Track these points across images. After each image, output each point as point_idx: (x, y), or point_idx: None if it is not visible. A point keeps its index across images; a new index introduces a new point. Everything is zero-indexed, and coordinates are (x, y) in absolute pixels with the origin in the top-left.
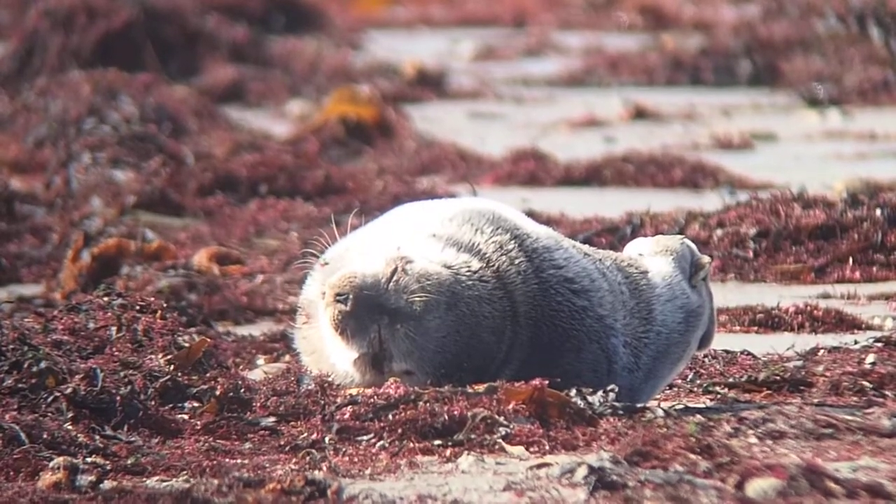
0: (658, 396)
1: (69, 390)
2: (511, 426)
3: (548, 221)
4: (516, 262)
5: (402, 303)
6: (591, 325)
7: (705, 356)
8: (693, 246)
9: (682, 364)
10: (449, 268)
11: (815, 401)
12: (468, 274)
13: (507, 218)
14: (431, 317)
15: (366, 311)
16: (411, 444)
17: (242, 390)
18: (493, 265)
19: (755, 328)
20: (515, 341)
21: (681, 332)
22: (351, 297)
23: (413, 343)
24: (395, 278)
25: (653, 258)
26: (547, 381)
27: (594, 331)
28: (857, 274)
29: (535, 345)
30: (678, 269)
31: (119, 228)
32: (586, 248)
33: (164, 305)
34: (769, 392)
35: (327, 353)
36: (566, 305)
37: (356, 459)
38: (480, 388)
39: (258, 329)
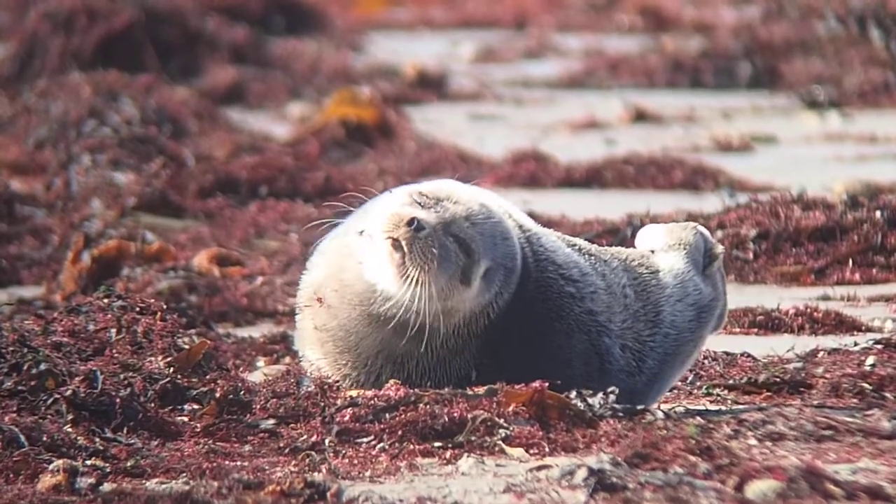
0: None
1: (69, 392)
2: (511, 428)
3: (548, 223)
4: (514, 224)
5: (455, 207)
6: (580, 315)
7: (705, 358)
8: (707, 233)
9: (692, 360)
10: None
11: (815, 403)
12: (482, 203)
13: (498, 202)
14: (479, 206)
15: (437, 226)
16: (411, 446)
17: (242, 392)
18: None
19: (755, 330)
20: (524, 283)
21: (691, 330)
22: (421, 220)
23: (484, 232)
24: (423, 196)
25: (665, 253)
26: (547, 384)
27: (583, 322)
28: (857, 276)
29: (533, 307)
30: (690, 262)
31: (119, 230)
32: (591, 246)
33: (164, 307)
34: (769, 394)
35: (381, 307)
36: (555, 285)
37: (356, 461)
38: (480, 390)
39: (258, 331)
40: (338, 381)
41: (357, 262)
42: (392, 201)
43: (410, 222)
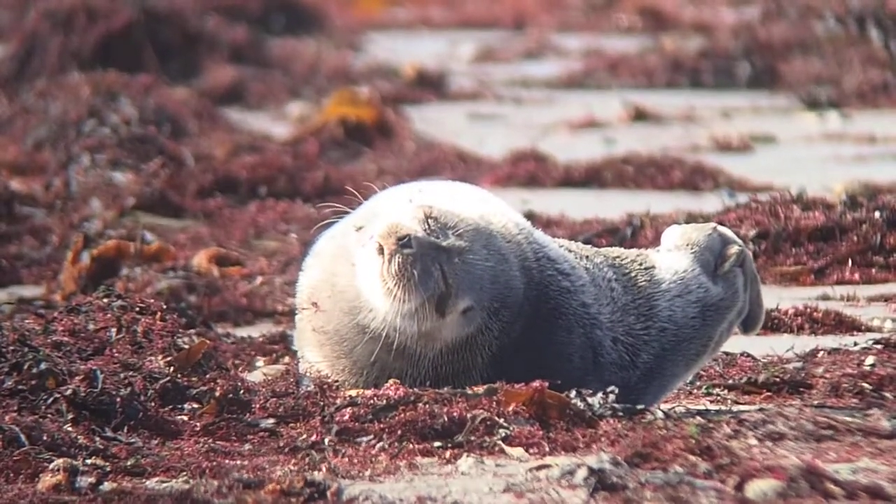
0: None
1: (69, 392)
2: (511, 428)
3: (548, 222)
4: (513, 225)
5: (451, 238)
6: (577, 309)
7: None
8: (727, 233)
9: (704, 359)
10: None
11: (815, 402)
12: (480, 219)
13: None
14: (479, 247)
15: (427, 250)
16: (411, 446)
17: (242, 392)
18: (497, 222)
19: None
20: (528, 292)
21: (695, 328)
22: (413, 238)
23: (472, 274)
24: (432, 218)
25: (668, 253)
26: (547, 383)
27: (579, 316)
28: (857, 276)
29: (538, 309)
30: (697, 261)
31: (119, 230)
32: (572, 244)
33: (164, 307)
34: (769, 394)
35: (367, 318)
36: (555, 282)
37: (356, 461)
38: (480, 389)
39: (257, 331)
40: (337, 381)
41: (351, 265)
42: (403, 210)
43: (403, 237)
